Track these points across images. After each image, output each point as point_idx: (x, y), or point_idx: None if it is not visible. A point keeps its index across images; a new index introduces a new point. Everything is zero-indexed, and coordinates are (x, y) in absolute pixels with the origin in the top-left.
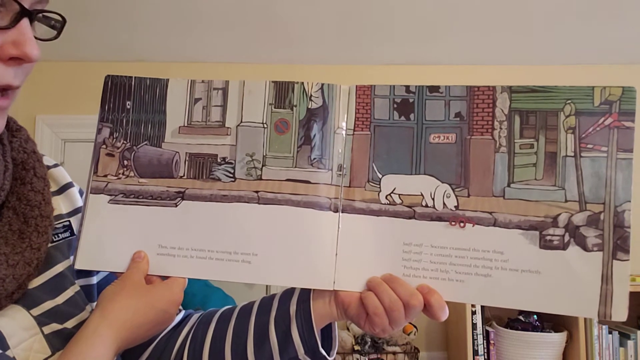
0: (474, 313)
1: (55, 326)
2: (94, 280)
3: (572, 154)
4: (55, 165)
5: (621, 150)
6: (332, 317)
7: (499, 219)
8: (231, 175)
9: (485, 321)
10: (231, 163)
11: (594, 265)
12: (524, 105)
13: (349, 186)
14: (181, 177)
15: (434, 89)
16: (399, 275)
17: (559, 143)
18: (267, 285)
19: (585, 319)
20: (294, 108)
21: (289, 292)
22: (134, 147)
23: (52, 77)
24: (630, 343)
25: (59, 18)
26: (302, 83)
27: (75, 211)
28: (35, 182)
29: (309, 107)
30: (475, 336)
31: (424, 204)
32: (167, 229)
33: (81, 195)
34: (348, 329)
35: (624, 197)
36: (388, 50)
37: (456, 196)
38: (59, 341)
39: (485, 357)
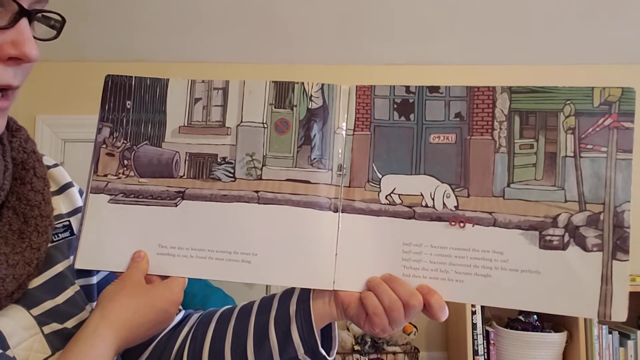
0: (474, 313)
1: (55, 326)
2: (94, 280)
3: (572, 155)
4: (55, 165)
5: (621, 151)
6: (332, 317)
7: (499, 219)
8: (231, 175)
9: (485, 321)
10: (231, 163)
11: (594, 265)
12: (524, 106)
13: (349, 186)
14: (181, 176)
15: (434, 89)
16: (399, 275)
17: (559, 143)
18: (267, 285)
19: (585, 319)
20: (294, 108)
21: (288, 292)
22: (134, 147)
23: (52, 77)
24: (630, 343)
25: (59, 18)
26: (302, 83)
27: (75, 211)
28: (35, 182)
29: (309, 107)
30: (475, 336)
31: (423, 204)
32: (167, 228)
33: (81, 195)
34: (348, 329)
35: (623, 198)
36: (388, 50)
37: (456, 196)
38: (59, 341)
39: (485, 357)
